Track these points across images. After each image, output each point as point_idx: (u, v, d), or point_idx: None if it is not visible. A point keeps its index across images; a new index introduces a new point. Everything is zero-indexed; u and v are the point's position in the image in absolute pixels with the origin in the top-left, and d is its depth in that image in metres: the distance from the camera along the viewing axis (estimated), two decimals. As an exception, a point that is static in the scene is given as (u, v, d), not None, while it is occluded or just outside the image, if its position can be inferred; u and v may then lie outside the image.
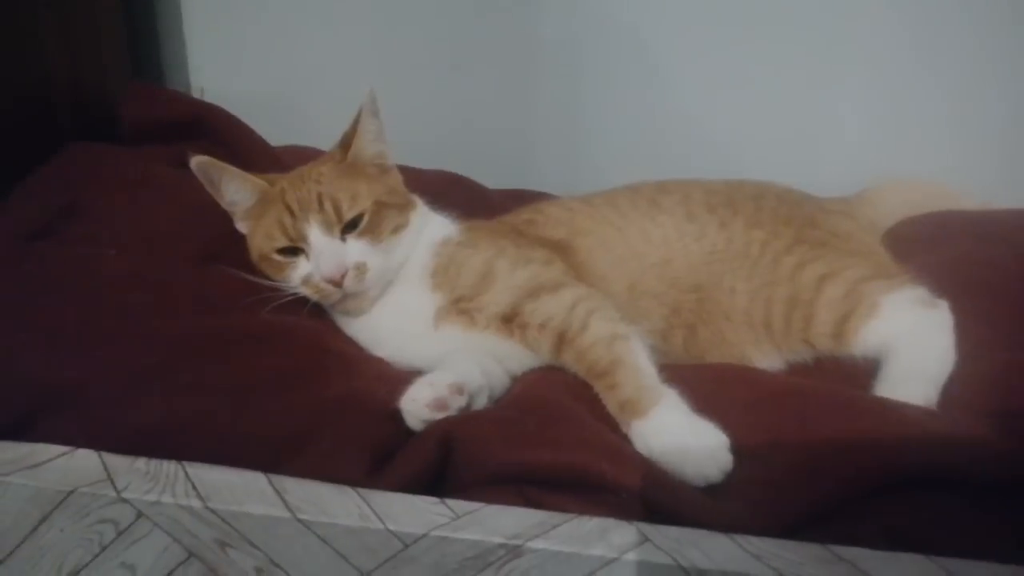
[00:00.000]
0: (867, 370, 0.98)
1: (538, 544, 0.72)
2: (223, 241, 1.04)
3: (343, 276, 0.94)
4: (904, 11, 1.44)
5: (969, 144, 1.49)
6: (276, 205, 0.97)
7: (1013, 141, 1.49)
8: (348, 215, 0.96)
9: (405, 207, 1.02)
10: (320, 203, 0.96)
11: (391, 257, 0.99)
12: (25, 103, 1.21)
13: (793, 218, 1.11)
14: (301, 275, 0.97)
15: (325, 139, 1.34)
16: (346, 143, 1.02)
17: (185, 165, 1.06)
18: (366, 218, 0.97)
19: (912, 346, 0.95)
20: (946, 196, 1.33)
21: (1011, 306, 1.00)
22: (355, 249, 0.96)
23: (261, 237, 0.99)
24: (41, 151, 1.15)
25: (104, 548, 0.79)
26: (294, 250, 0.97)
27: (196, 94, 1.62)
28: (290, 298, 0.97)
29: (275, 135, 1.41)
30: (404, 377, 0.90)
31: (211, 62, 1.63)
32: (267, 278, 0.99)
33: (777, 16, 1.48)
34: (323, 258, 0.94)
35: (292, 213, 0.96)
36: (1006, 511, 0.74)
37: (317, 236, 0.95)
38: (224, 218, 1.05)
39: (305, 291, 0.97)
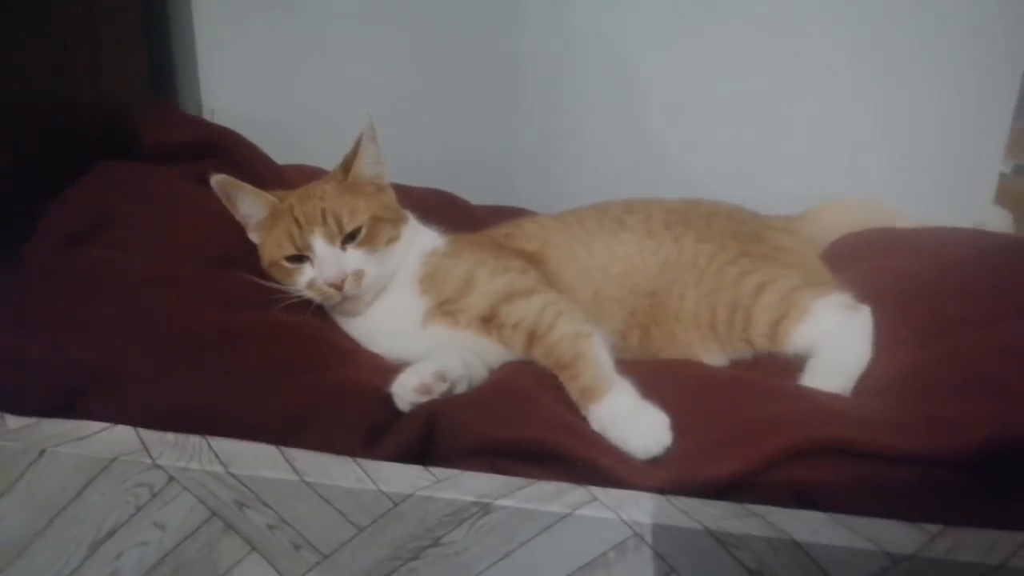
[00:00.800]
0: (798, 365, 1.11)
1: (504, 502, 0.86)
2: (237, 249, 1.17)
3: (343, 281, 1.07)
4: (858, 36, 1.58)
5: (915, 163, 1.64)
6: (285, 218, 1.11)
7: (959, 160, 1.64)
8: (348, 228, 1.09)
9: (398, 221, 1.16)
10: (324, 217, 1.09)
11: (385, 265, 1.12)
12: (56, 124, 1.34)
13: (739, 234, 1.25)
14: (306, 279, 1.10)
15: (324, 158, 1.47)
16: (347, 164, 1.16)
17: (202, 181, 1.20)
18: (364, 231, 1.10)
19: (833, 344, 1.09)
20: (883, 214, 1.47)
21: (925, 310, 1.13)
22: (354, 258, 1.09)
23: (272, 246, 1.12)
24: (70, 167, 1.29)
25: (139, 509, 0.92)
26: (300, 258, 1.10)
27: (207, 115, 1.75)
28: (296, 299, 1.11)
29: (279, 153, 1.54)
30: (395, 368, 1.03)
31: (222, 86, 1.76)
32: (276, 282, 1.13)
33: (737, 48, 1.62)
34: (326, 265, 1.08)
35: (299, 225, 1.09)
36: (898, 477, 0.88)
37: (321, 246, 1.09)
38: (238, 229, 1.19)
39: (309, 293, 1.10)
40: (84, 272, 1.07)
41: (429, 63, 1.71)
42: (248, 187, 1.13)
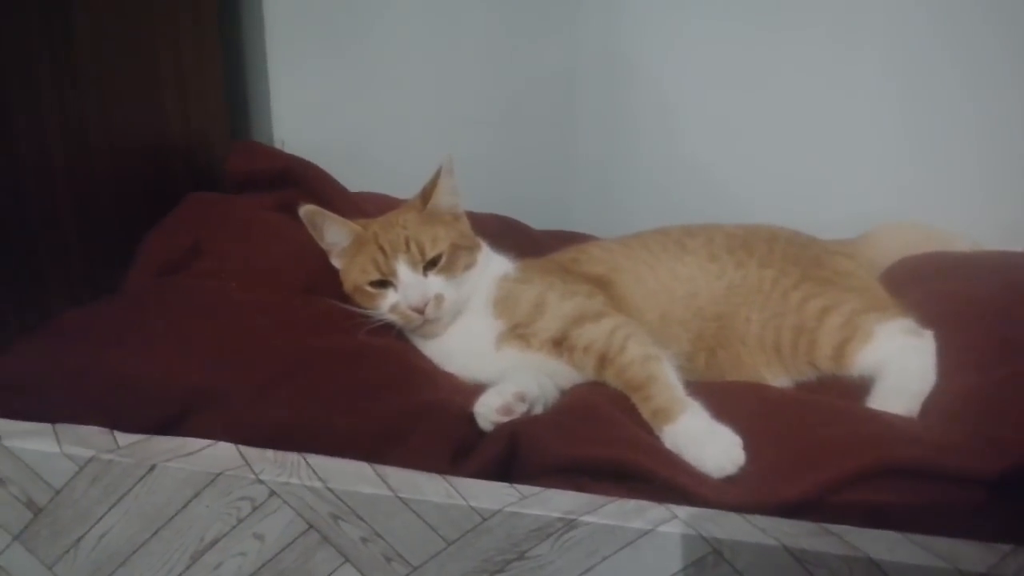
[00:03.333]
0: (862, 388, 1.14)
1: (589, 519, 0.90)
2: (321, 275, 1.24)
3: (425, 305, 1.13)
4: (906, 59, 1.61)
5: (968, 187, 1.66)
6: (370, 246, 1.17)
7: (1013, 183, 1.66)
8: (430, 255, 1.15)
9: (474, 248, 1.21)
10: (407, 245, 1.15)
11: (463, 290, 1.17)
12: (149, 160, 1.43)
13: (800, 258, 1.28)
14: (390, 304, 1.16)
15: (391, 184, 1.55)
16: (425, 195, 1.22)
17: (284, 210, 1.27)
18: (444, 258, 1.16)
19: (899, 368, 1.11)
20: (940, 238, 1.49)
21: (985, 336, 1.15)
22: (435, 283, 1.15)
23: (357, 272, 1.18)
24: (159, 197, 1.38)
25: (241, 521, 0.98)
26: (384, 283, 1.16)
27: (278, 145, 1.84)
28: (379, 324, 1.17)
29: (347, 182, 1.62)
30: (475, 389, 1.09)
31: (291, 117, 1.85)
32: (358, 306, 1.19)
33: (789, 77, 1.66)
34: (409, 290, 1.14)
35: (384, 252, 1.15)
36: (966, 497, 0.91)
37: (405, 272, 1.15)
38: (321, 255, 1.26)
39: (392, 317, 1.16)
40: (184, 298, 1.15)
41: (488, 94, 1.78)
42: (335, 216, 1.20)
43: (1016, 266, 1.34)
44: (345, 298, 1.22)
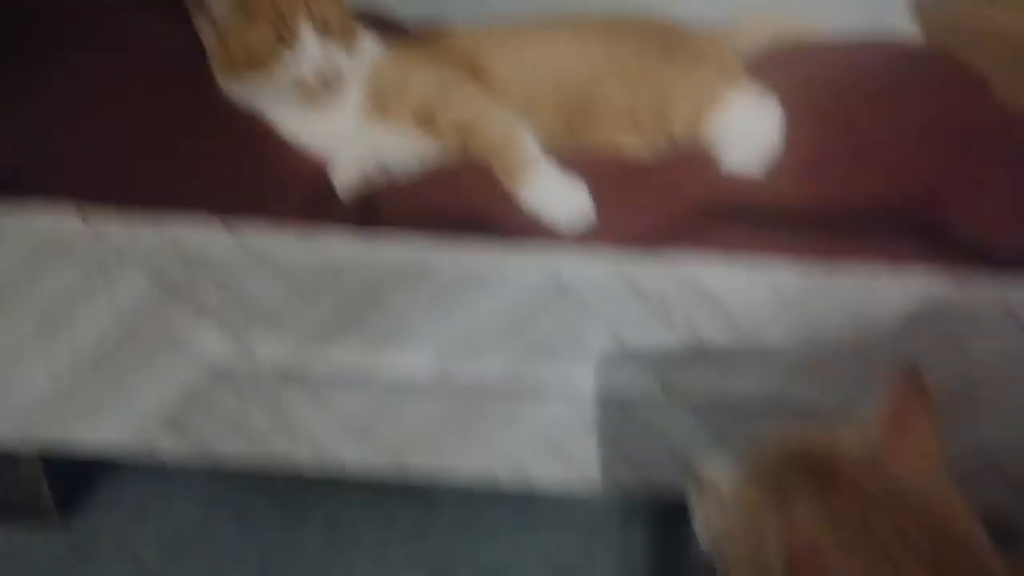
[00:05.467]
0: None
1: (441, 265, 0.95)
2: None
3: (330, 72, 1.09)
4: None
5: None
6: (263, 8, 1.07)
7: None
8: (331, 22, 1.10)
9: (356, 27, 1.18)
10: (308, 7, 1.08)
11: (350, 64, 1.13)
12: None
13: (665, 42, 1.31)
14: (288, 71, 1.08)
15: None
16: None
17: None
18: (338, 29, 1.12)
19: (744, 123, 1.15)
20: (796, 30, 1.53)
21: (835, 110, 1.20)
22: (335, 52, 1.11)
23: (251, 37, 1.07)
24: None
25: (94, 290, 0.97)
26: (278, 50, 1.07)
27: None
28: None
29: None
30: (335, 162, 1.09)
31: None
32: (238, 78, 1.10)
33: None
34: (312, 53, 1.08)
35: (282, 15, 1.07)
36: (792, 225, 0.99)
37: (308, 35, 1.08)
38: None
39: (284, 87, 1.09)
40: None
41: None
42: None
43: (868, 46, 1.39)
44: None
